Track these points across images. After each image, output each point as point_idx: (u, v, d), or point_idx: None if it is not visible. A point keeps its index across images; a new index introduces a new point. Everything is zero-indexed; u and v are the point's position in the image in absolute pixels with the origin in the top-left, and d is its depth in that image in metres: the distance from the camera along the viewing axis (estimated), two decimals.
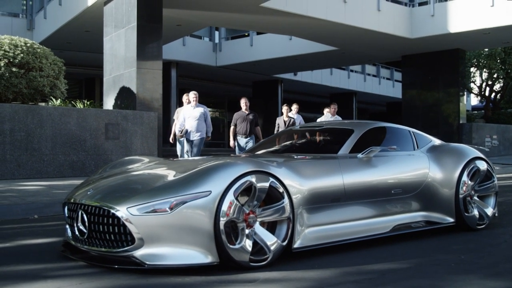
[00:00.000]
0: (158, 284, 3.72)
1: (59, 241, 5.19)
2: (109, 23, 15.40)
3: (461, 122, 22.90)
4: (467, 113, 30.68)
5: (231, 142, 12.15)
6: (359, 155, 5.23)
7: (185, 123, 11.51)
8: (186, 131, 11.49)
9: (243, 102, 12.01)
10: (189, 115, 11.48)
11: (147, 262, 3.95)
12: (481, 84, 34.27)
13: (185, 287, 3.67)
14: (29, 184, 9.95)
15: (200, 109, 11.51)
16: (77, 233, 4.37)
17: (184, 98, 12.32)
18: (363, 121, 6.27)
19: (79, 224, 4.33)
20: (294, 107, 14.16)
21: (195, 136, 11.43)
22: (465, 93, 25.78)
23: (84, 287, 3.65)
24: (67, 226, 4.66)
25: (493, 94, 34.51)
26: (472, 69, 33.03)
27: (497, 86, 34.78)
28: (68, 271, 4.11)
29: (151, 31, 14.30)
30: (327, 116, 13.70)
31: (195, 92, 11.60)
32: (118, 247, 4.07)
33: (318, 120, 13.64)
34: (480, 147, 7.06)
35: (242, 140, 11.90)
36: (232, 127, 12.18)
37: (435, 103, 23.11)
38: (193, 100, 11.50)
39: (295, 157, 5.15)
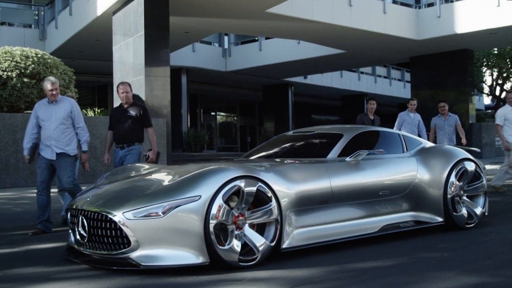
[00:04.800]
0: (152, 284, 3.98)
1: (64, 245, 5.47)
2: (118, 32, 15.75)
3: (470, 122, 22.96)
4: (479, 112, 30.66)
5: (105, 156, 7.56)
6: (347, 159, 5.46)
7: (39, 131, 6.79)
8: (36, 146, 6.78)
9: (121, 91, 7.37)
10: (47, 118, 6.68)
11: (142, 263, 4.21)
12: (492, 84, 34.25)
13: (177, 287, 3.91)
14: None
15: (66, 107, 6.70)
16: (78, 237, 4.65)
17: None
18: (354, 125, 6.50)
19: (80, 228, 4.61)
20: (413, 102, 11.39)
21: (60, 151, 6.63)
22: (475, 93, 25.79)
23: (82, 287, 3.91)
24: (70, 231, 4.95)
25: (504, 93, 34.44)
26: (483, 69, 33.03)
27: (507, 85, 34.73)
28: (70, 274, 4.39)
29: (158, 39, 14.62)
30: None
31: (53, 80, 6.67)
32: (116, 250, 4.34)
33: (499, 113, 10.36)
34: (471, 148, 7.26)
35: (117, 153, 7.37)
36: (108, 133, 7.63)
37: None
38: (52, 93, 6.63)
39: (285, 161, 5.40)
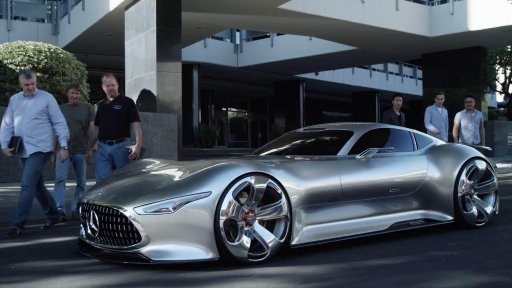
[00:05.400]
0: (161, 279, 4.01)
1: (76, 239, 5.52)
2: (130, 27, 15.81)
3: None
4: (492, 110, 30.45)
5: (88, 153, 7.34)
6: (357, 156, 5.46)
7: (13, 126, 6.38)
8: (13, 141, 6.34)
9: (107, 84, 6.80)
10: (20, 112, 6.36)
11: (153, 258, 4.25)
12: (505, 81, 34.03)
13: (187, 282, 3.94)
14: (52, 186, 10.31)
15: (41, 101, 6.38)
16: (89, 231, 4.70)
17: None
18: (365, 123, 6.49)
19: (91, 223, 4.65)
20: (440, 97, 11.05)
21: (32, 149, 6.29)
22: (488, 90, 25.65)
23: (93, 282, 3.95)
24: (81, 225, 4.99)
25: None
26: (496, 66, 32.83)
27: None
28: (81, 268, 4.43)
29: (170, 34, 14.67)
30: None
31: (28, 73, 6.31)
32: (127, 244, 4.38)
33: None
34: (482, 146, 7.22)
35: (104, 148, 6.79)
36: (93, 128, 7.13)
37: (456, 101, 22.99)
38: (27, 88, 6.30)
39: (295, 158, 5.41)
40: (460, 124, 10.65)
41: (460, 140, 10.51)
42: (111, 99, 6.85)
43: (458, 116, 10.75)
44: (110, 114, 6.77)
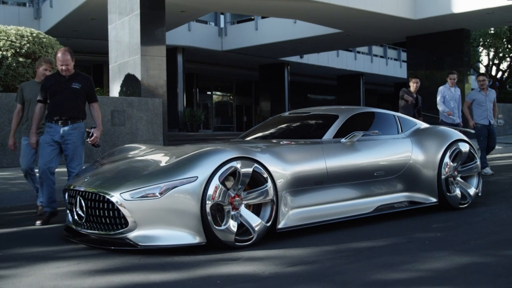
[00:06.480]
0: (149, 264, 4.03)
1: (62, 225, 5.52)
2: (114, 10, 15.65)
3: None
4: None
5: (32, 138, 6.19)
6: (343, 140, 5.52)
7: None
8: None
9: (60, 63, 5.98)
10: None
11: (140, 243, 4.27)
12: (488, 64, 34.27)
13: (174, 266, 3.97)
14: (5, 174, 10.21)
15: None
16: (76, 217, 4.70)
17: None
18: (350, 106, 6.53)
19: (78, 209, 4.66)
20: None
21: None
22: (472, 72, 25.80)
23: (81, 267, 3.97)
24: (68, 212, 5.00)
25: (500, 73, 34.49)
26: (479, 49, 33.04)
27: (503, 65, 34.73)
28: (68, 253, 4.44)
29: (154, 18, 14.55)
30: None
31: None
32: (114, 230, 4.40)
33: None
34: (465, 129, 7.30)
35: (55, 130, 6.00)
36: (37, 107, 6.20)
37: (440, 83, 23.01)
38: None
39: (280, 142, 5.45)
40: (472, 104, 10.20)
41: (473, 120, 10.00)
42: (65, 75, 6.09)
43: (471, 95, 10.37)
44: (67, 93, 6.06)
